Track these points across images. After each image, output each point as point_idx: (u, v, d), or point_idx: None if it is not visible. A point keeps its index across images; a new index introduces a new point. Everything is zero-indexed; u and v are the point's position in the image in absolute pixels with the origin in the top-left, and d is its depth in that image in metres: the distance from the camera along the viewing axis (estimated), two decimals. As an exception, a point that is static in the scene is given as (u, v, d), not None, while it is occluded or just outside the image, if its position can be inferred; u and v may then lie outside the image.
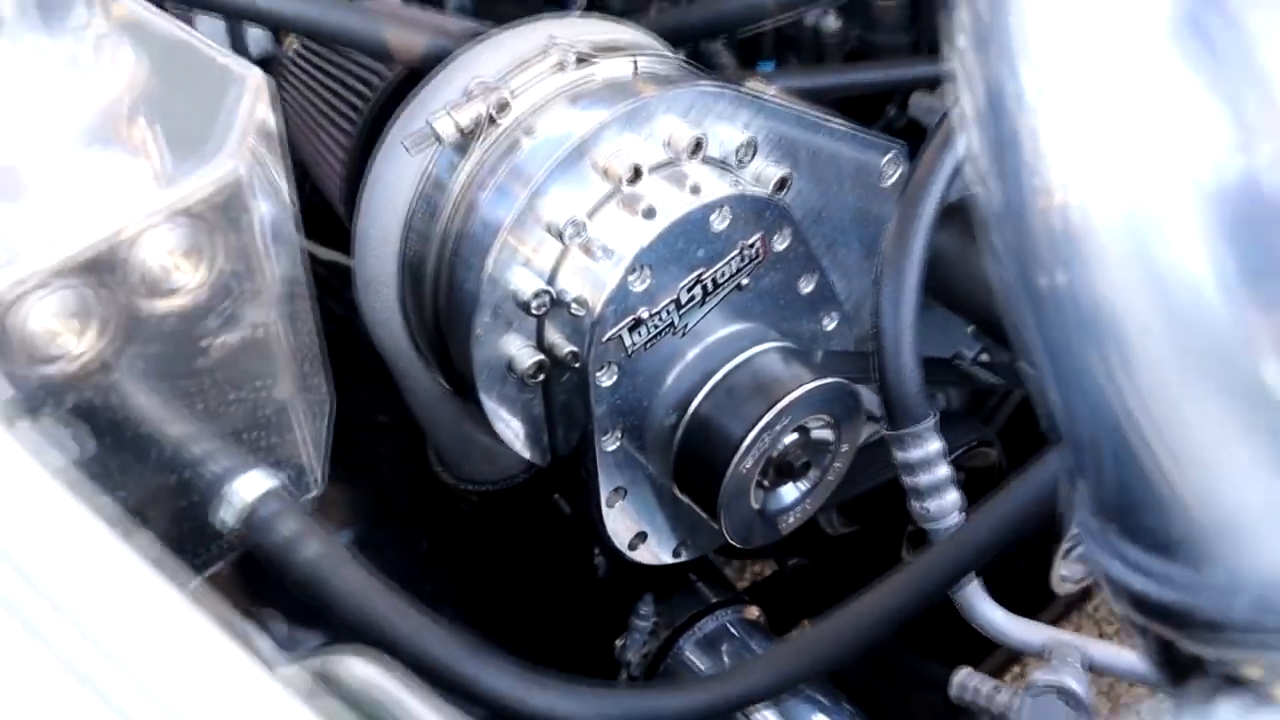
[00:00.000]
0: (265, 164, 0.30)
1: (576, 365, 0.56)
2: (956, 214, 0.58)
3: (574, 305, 0.55)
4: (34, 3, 0.27)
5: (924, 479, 0.51)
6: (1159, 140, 0.21)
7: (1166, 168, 0.21)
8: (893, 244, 0.53)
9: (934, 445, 0.51)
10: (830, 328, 0.66)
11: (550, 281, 0.55)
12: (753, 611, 0.76)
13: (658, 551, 0.67)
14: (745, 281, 0.60)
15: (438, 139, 0.55)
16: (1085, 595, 0.92)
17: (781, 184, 0.60)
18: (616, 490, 0.62)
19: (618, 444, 0.60)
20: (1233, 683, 0.20)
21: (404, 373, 0.66)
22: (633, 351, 0.57)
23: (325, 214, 0.73)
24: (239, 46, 0.79)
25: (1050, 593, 0.74)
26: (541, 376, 0.57)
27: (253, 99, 0.30)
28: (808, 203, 0.64)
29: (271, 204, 0.31)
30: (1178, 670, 0.21)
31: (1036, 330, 0.24)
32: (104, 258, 0.26)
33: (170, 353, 0.29)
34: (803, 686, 0.73)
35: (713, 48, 0.94)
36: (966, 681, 0.58)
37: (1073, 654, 0.44)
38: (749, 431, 0.57)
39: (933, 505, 0.51)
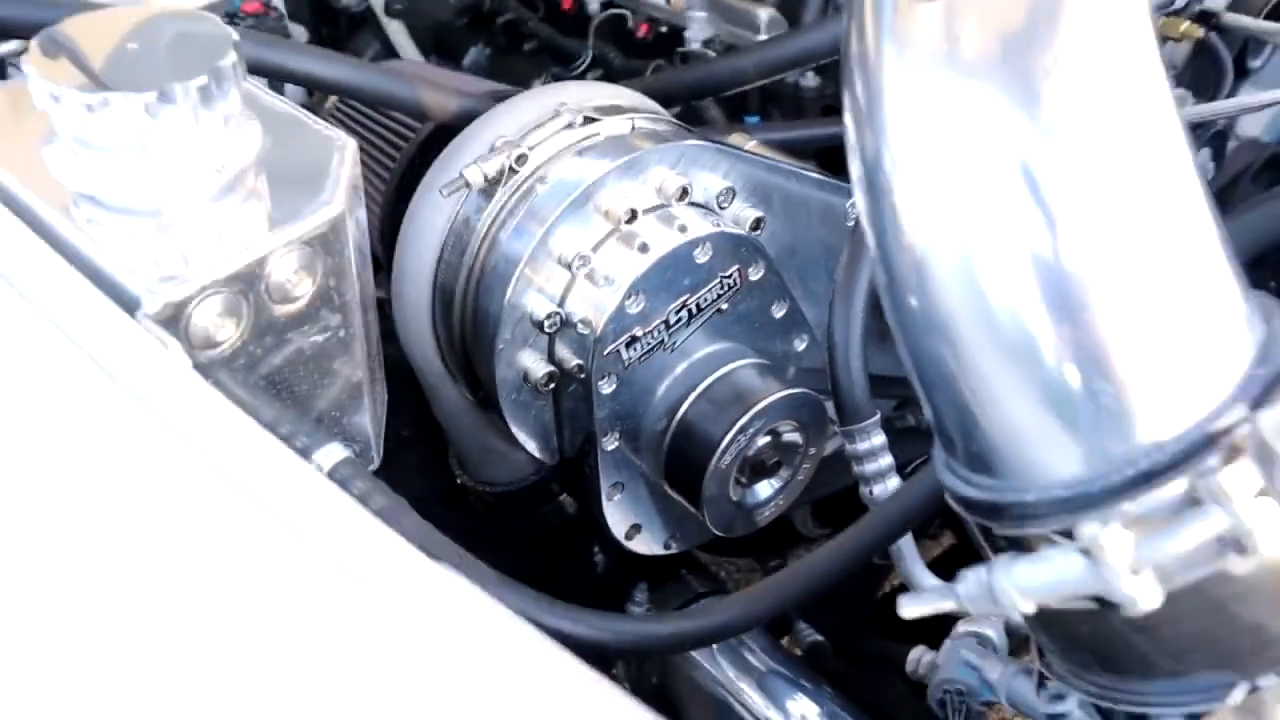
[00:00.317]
0: (353, 207, 0.41)
1: (582, 376, 0.66)
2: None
3: (580, 325, 0.65)
4: (198, 89, 0.38)
5: (869, 467, 0.61)
6: (980, 212, 0.31)
7: (983, 233, 0.31)
8: (844, 274, 0.63)
9: (878, 439, 0.61)
10: (801, 348, 0.77)
11: (560, 305, 0.66)
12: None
13: (651, 543, 0.77)
14: (725, 306, 0.70)
15: (468, 186, 0.66)
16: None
17: (757, 224, 0.71)
18: (615, 485, 0.72)
19: (616, 444, 0.70)
20: (1021, 548, 0.30)
21: (433, 386, 0.76)
22: (629, 364, 0.67)
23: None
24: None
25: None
26: (552, 385, 0.67)
27: (348, 159, 0.41)
28: (781, 240, 0.74)
29: (357, 236, 0.41)
30: (995, 548, 0.31)
31: (904, 330, 0.34)
32: (248, 272, 0.37)
33: (285, 346, 0.40)
34: (787, 672, 0.82)
35: (703, 103, 1.06)
36: (920, 658, 0.67)
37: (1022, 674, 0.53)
38: (727, 433, 0.67)
39: (877, 489, 0.61)
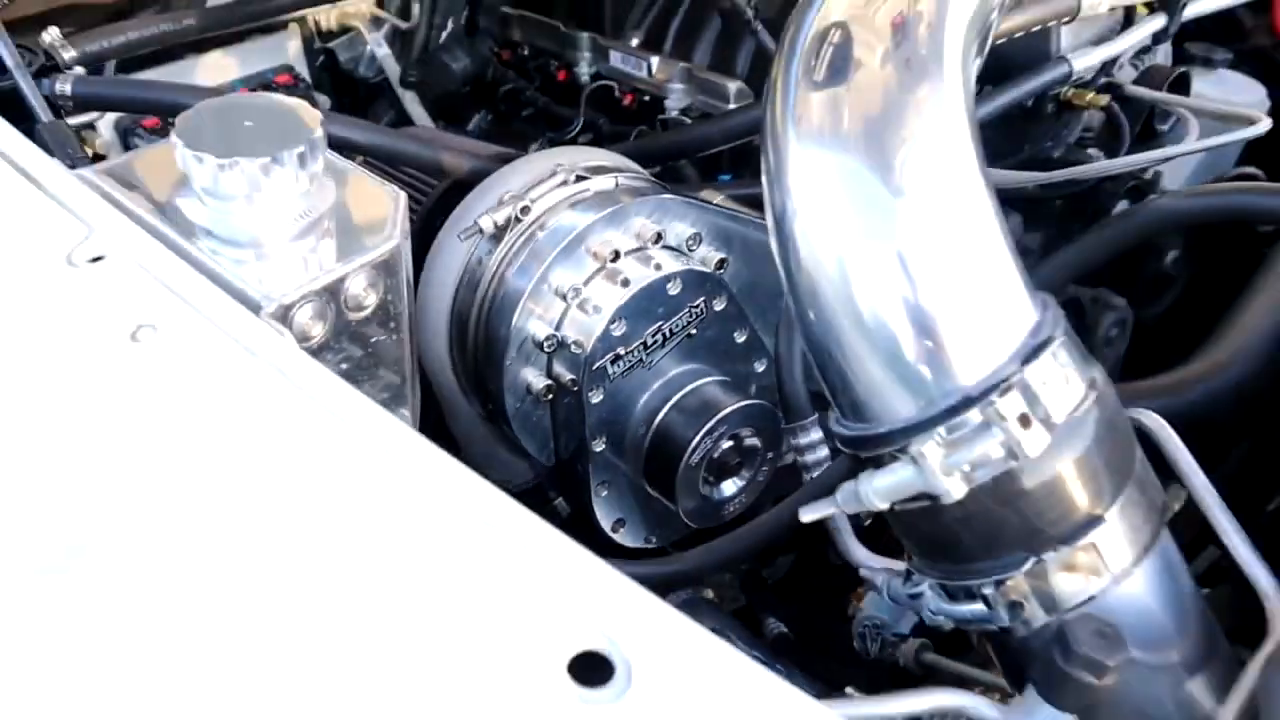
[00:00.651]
0: (404, 241, 0.55)
1: (575, 389, 0.80)
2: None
3: (573, 345, 0.79)
4: (298, 155, 0.51)
5: (809, 457, 0.75)
6: (850, 245, 0.45)
7: (853, 260, 0.45)
8: (787, 306, 0.77)
9: (816, 435, 0.75)
10: (760, 370, 0.90)
11: (557, 329, 0.79)
12: (708, 593, 0.98)
13: (634, 537, 0.90)
14: (694, 332, 0.84)
15: (481, 232, 0.80)
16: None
17: (720, 264, 0.85)
18: (602, 483, 0.85)
19: (603, 447, 0.83)
20: (878, 465, 0.44)
21: (448, 400, 0.89)
22: (614, 378, 0.81)
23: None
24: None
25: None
26: (550, 396, 0.81)
27: (401, 206, 0.55)
28: (742, 278, 0.88)
29: (406, 263, 0.55)
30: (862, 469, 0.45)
31: (807, 332, 0.48)
32: (334, 286, 0.50)
33: (355, 345, 0.53)
34: (764, 658, 0.94)
35: (681, 163, 1.20)
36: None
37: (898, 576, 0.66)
38: (694, 437, 0.81)
39: (816, 474, 0.75)
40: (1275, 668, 0.37)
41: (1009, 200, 1.11)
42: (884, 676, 0.72)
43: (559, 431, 0.83)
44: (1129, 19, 1.06)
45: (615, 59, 1.31)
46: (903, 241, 0.44)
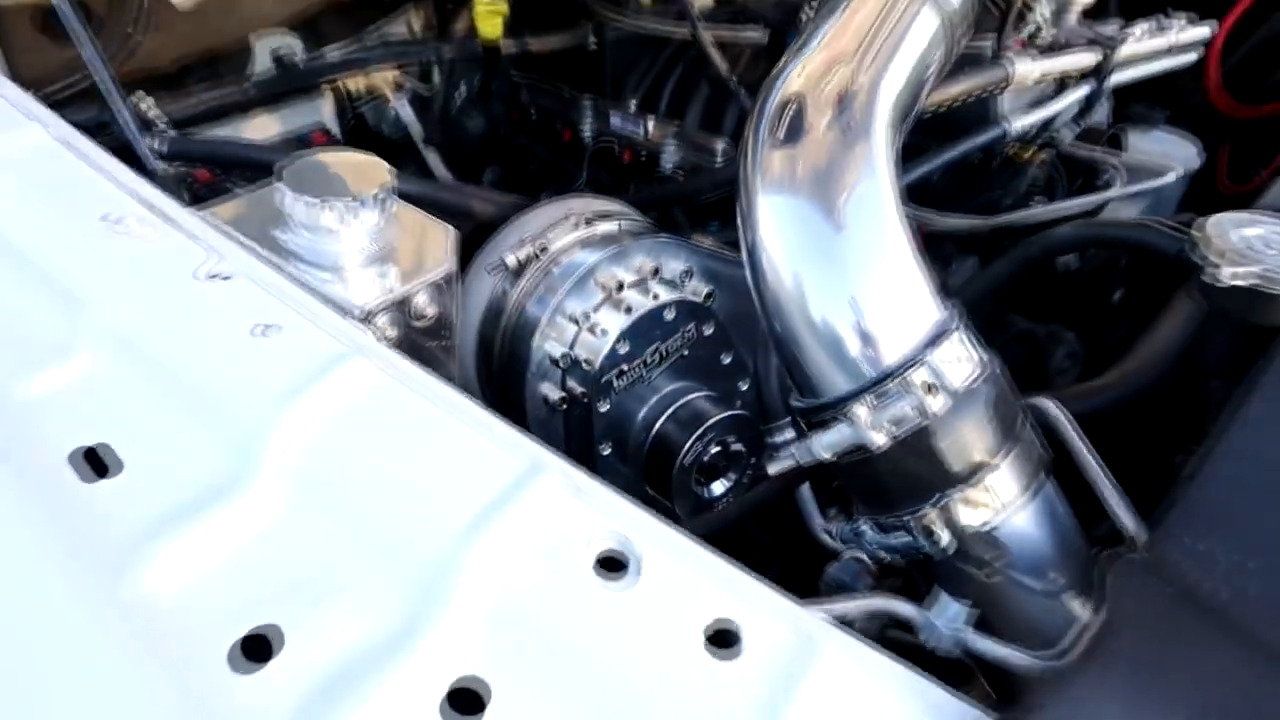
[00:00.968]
0: (456, 267, 0.69)
1: (585, 400, 0.93)
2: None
3: (584, 363, 0.92)
4: (377, 198, 0.66)
5: (783, 453, 0.88)
6: (804, 268, 0.59)
7: (806, 279, 0.59)
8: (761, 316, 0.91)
9: (789, 434, 0.88)
10: (744, 388, 1.04)
11: (570, 348, 0.93)
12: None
13: (634, 534, 1.03)
14: (686, 352, 0.98)
15: (505, 267, 0.94)
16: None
17: (708, 296, 0.99)
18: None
19: (609, 451, 0.97)
20: (823, 427, 0.58)
21: (473, 414, 1.03)
22: (618, 391, 0.94)
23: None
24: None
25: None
26: (564, 406, 0.94)
27: (452, 238, 0.69)
28: (727, 309, 1.02)
29: (456, 284, 0.69)
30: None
31: (774, 339, 0.61)
32: (405, 298, 0.64)
33: (418, 349, 0.66)
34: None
35: (674, 211, 1.35)
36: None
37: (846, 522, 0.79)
38: (687, 442, 0.94)
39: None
40: (1121, 567, 0.50)
41: (967, 242, 1.25)
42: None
43: (571, 437, 0.97)
44: (1062, 87, 1.22)
45: (615, 120, 1.46)
46: (841, 265, 0.58)
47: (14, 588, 0.50)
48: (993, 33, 1.11)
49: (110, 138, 0.81)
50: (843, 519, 0.68)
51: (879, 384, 0.55)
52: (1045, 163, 1.22)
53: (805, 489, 0.81)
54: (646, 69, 1.47)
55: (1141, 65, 1.31)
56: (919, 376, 0.54)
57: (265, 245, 0.67)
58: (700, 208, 1.34)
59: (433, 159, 1.52)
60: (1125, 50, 1.24)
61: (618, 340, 0.92)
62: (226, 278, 0.61)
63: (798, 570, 1.12)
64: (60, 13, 0.84)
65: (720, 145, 1.34)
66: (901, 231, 0.58)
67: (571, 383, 0.94)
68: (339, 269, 0.67)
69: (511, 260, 0.94)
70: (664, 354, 0.96)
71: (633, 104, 1.45)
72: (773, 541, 0.99)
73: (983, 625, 0.55)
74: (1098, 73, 1.21)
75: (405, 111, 1.53)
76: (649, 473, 0.97)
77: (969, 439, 0.55)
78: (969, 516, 0.55)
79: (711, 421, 0.94)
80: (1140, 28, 1.28)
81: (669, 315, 0.95)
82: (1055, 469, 0.61)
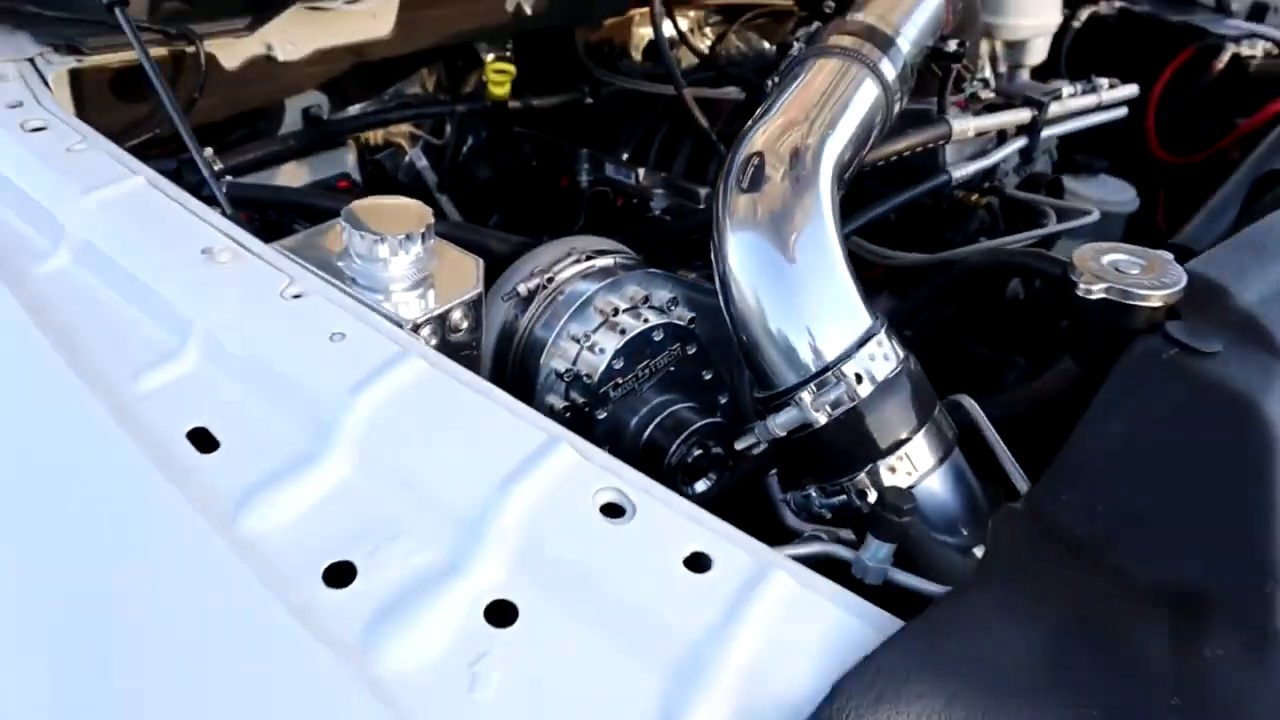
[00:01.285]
0: (483, 290, 0.84)
1: (586, 410, 1.08)
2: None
3: (585, 377, 1.07)
4: (421, 233, 0.81)
5: (754, 452, 1.03)
6: (762, 290, 0.75)
7: (763, 297, 0.75)
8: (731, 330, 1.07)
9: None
10: (723, 401, 1.19)
11: (573, 365, 1.08)
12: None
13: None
14: (672, 369, 1.13)
15: (518, 295, 1.10)
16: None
17: (691, 321, 1.14)
18: (605, 484, 1.13)
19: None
20: (777, 410, 0.73)
21: (487, 424, 1.17)
22: (614, 401, 1.09)
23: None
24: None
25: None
26: (568, 415, 1.09)
27: (480, 267, 0.84)
28: (708, 333, 1.17)
29: (483, 304, 0.84)
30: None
31: (741, 348, 0.77)
32: (444, 314, 0.79)
33: (452, 356, 0.82)
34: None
35: (663, 249, 1.51)
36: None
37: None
38: (672, 445, 1.09)
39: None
40: (1003, 512, 0.65)
41: (921, 276, 1.42)
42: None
43: (573, 443, 1.11)
44: (1003, 139, 1.39)
45: (609, 169, 1.62)
46: (791, 288, 0.74)
47: (154, 534, 0.64)
48: (935, 95, 1.29)
49: (183, 183, 0.97)
50: (796, 491, 0.83)
51: (819, 375, 0.70)
52: (989, 206, 1.38)
53: (772, 476, 0.96)
54: (637, 124, 1.64)
55: (1073, 120, 1.48)
56: (850, 369, 0.70)
57: (329, 272, 0.83)
58: (685, 246, 1.51)
59: (445, 204, 1.68)
60: (1056, 108, 1.41)
61: (613, 357, 1.07)
62: (303, 296, 0.77)
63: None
64: (149, 76, 0.99)
65: (703, 192, 1.50)
66: (839, 261, 0.74)
67: (574, 394, 1.09)
68: (389, 291, 0.83)
69: (523, 289, 1.10)
70: (653, 370, 1.11)
71: (625, 155, 1.62)
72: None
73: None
74: (1032, 128, 1.38)
75: (420, 161, 1.69)
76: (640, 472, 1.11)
77: (891, 418, 0.70)
78: (891, 480, 0.70)
79: (693, 428, 1.09)
80: (1071, 88, 1.45)
81: (657, 336, 1.10)
82: (978, 460, 0.76)
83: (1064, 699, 0.56)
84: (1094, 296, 0.71)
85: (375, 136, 1.68)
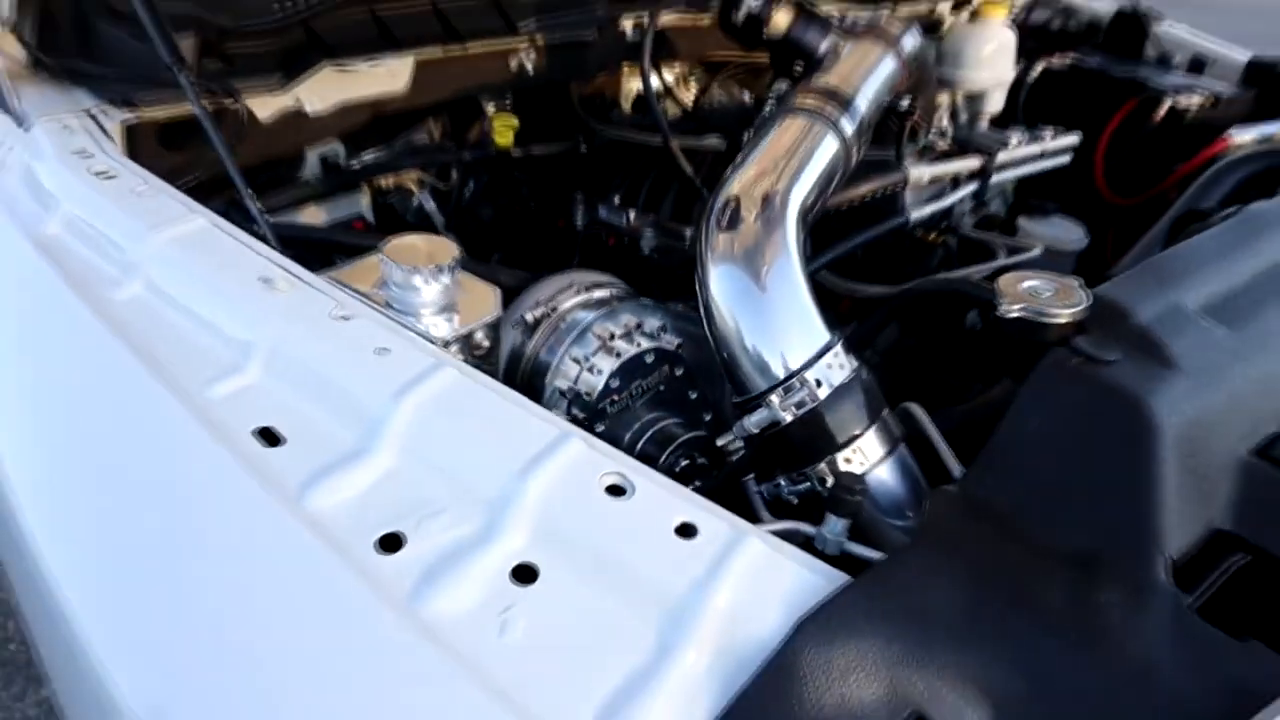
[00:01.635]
0: (501, 314, 0.98)
1: (586, 423, 1.22)
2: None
3: (584, 395, 1.21)
4: (449, 264, 0.95)
5: (734, 459, 1.17)
6: (738, 309, 0.89)
7: (741, 313, 0.89)
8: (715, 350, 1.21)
9: (738, 442, 1.17)
10: (707, 419, 1.33)
11: (574, 384, 1.22)
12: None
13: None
14: (662, 388, 1.27)
15: (525, 323, 1.24)
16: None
17: (679, 346, 1.28)
18: (602, 490, 1.26)
19: (603, 464, 1.25)
20: (751, 411, 0.87)
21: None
22: (610, 417, 1.23)
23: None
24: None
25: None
26: (569, 428, 1.22)
27: (499, 295, 0.98)
28: (695, 358, 1.32)
29: (500, 327, 0.98)
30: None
31: (721, 362, 0.91)
32: (469, 334, 0.93)
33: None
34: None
35: (652, 284, 1.65)
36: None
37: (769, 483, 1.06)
38: (661, 456, 1.22)
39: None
40: (938, 493, 0.79)
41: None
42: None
43: (574, 453, 1.24)
44: (957, 184, 1.55)
45: (601, 212, 1.76)
46: (763, 312, 0.88)
47: (234, 510, 0.77)
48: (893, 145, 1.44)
49: (233, 221, 1.10)
50: (769, 483, 0.96)
51: (785, 381, 0.84)
52: (946, 244, 1.53)
53: (748, 479, 1.09)
54: (627, 170, 1.78)
55: (1020, 166, 1.64)
56: (811, 375, 0.84)
57: (369, 298, 0.96)
58: (672, 282, 1.65)
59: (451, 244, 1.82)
60: (1004, 155, 1.57)
61: (610, 377, 1.21)
62: (350, 318, 0.90)
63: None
64: (204, 126, 1.13)
65: (688, 232, 1.65)
66: (802, 288, 0.89)
67: (575, 410, 1.22)
68: (420, 314, 0.96)
69: (529, 317, 1.24)
70: (645, 389, 1.25)
71: (616, 199, 1.77)
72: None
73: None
74: (982, 173, 1.54)
75: (428, 203, 1.83)
76: (634, 480, 1.25)
77: (845, 417, 0.84)
78: (846, 468, 0.84)
79: (680, 440, 1.23)
80: (1017, 137, 1.61)
81: (649, 359, 1.24)
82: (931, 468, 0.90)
83: (982, 639, 0.70)
84: (1012, 315, 0.85)
85: (386, 181, 1.82)
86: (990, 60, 1.93)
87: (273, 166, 1.59)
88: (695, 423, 1.31)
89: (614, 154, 1.76)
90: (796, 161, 0.99)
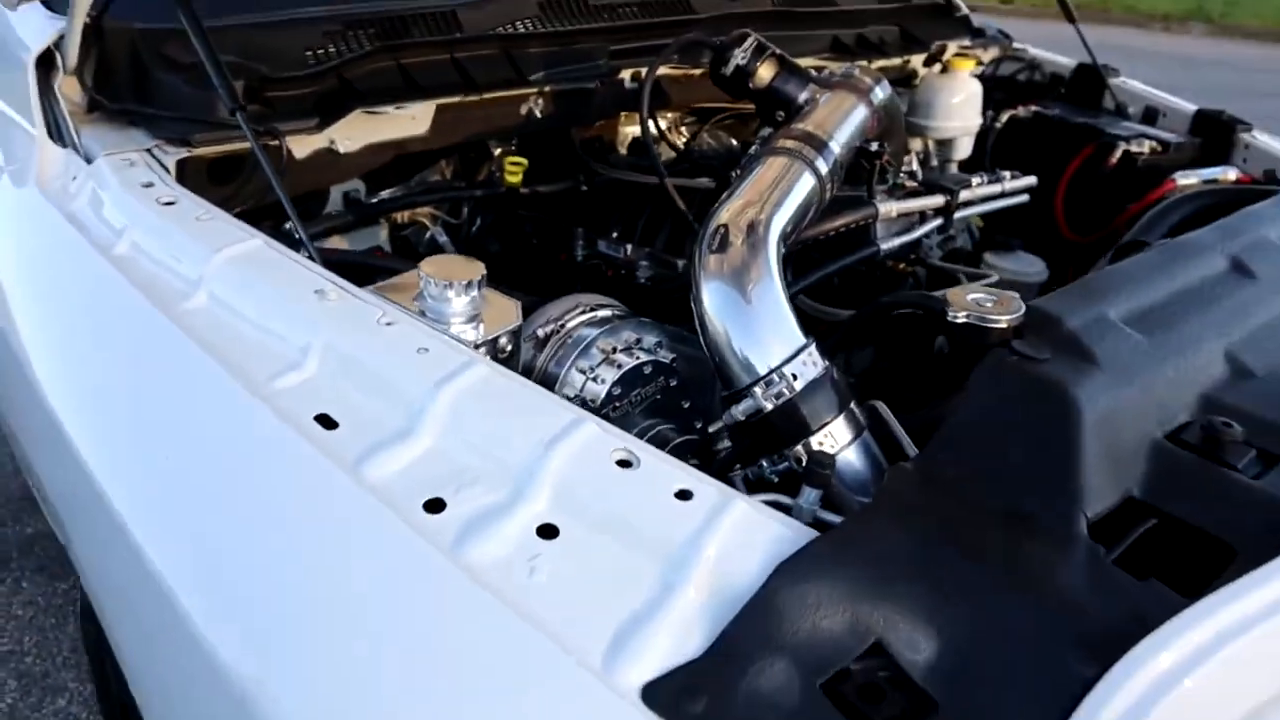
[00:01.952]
0: (522, 324, 1.12)
1: (589, 427, 1.35)
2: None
3: (589, 401, 1.35)
4: (478, 280, 1.10)
5: (720, 446, 1.31)
6: (724, 306, 1.05)
7: (727, 316, 1.04)
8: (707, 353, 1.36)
9: (726, 442, 1.31)
10: (699, 426, 1.47)
11: (580, 391, 1.36)
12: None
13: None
14: (659, 397, 1.41)
15: (536, 338, 1.38)
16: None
17: (674, 359, 1.43)
18: (604, 489, 1.40)
19: (605, 464, 1.39)
20: (737, 401, 1.01)
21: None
22: (613, 422, 1.36)
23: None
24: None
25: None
26: (575, 432, 1.36)
27: (520, 308, 1.13)
28: (687, 372, 1.46)
29: (520, 335, 1.12)
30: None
31: (710, 358, 1.06)
32: (495, 339, 1.07)
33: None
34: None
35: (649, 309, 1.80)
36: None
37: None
38: (660, 457, 1.36)
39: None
40: (894, 468, 0.93)
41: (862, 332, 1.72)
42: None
43: (579, 455, 1.38)
44: (924, 219, 1.71)
45: (600, 246, 1.92)
46: (748, 321, 1.04)
47: (302, 478, 0.91)
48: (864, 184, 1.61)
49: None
50: (753, 466, 1.11)
51: (766, 377, 0.99)
52: (914, 274, 1.69)
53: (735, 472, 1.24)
54: (624, 208, 1.95)
55: (981, 205, 1.81)
56: (788, 370, 0.99)
57: (408, 308, 1.11)
58: (665, 306, 1.80)
59: (461, 273, 1.97)
60: (966, 194, 1.74)
61: (612, 386, 1.35)
62: (394, 324, 1.05)
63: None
64: (260, 160, 1.28)
65: (680, 263, 1.80)
66: (781, 301, 1.04)
67: (581, 415, 1.36)
68: (451, 323, 1.11)
69: (540, 333, 1.38)
70: (643, 397, 1.39)
71: (614, 233, 1.92)
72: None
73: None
74: (946, 210, 1.71)
75: (441, 237, 1.99)
76: (633, 480, 1.39)
77: (817, 406, 0.99)
78: (819, 449, 0.99)
79: (674, 443, 1.37)
80: (979, 178, 1.78)
81: (647, 370, 1.39)
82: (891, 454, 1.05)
83: (931, 580, 0.84)
84: (959, 321, 1.00)
85: (403, 216, 1.97)
86: (958, 110, 2.11)
87: (303, 201, 1.75)
88: (687, 429, 1.45)
89: (612, 193, 1.91)
90: (778, 194, 1.15)
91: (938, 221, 1.71)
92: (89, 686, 2.43)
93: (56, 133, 1.50)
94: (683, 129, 2.20)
